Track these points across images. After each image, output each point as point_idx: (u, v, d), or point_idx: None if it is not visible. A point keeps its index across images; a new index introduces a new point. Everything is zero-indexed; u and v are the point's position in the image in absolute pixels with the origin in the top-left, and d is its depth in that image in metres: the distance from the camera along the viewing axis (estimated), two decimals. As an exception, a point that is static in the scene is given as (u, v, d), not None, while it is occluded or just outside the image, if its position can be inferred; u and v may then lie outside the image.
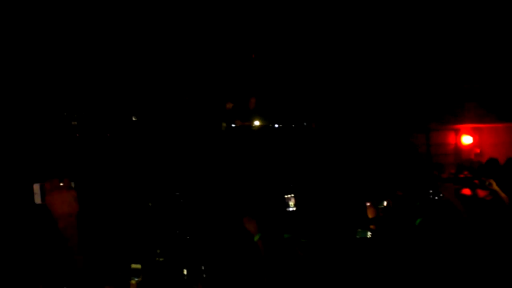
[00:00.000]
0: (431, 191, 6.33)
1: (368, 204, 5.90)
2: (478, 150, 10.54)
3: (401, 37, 10.90)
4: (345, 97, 10.48)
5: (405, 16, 10.72)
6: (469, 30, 10.67)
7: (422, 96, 10.87)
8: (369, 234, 5.63)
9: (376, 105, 10.72)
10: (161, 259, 4.59)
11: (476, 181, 6.49)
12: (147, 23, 8.62)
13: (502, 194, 5.18)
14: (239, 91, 9.39)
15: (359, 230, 5.68)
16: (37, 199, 2.29)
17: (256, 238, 4.44)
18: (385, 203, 6.03)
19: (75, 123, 7.19)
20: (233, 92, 9.26)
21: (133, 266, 3.90)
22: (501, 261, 4.48)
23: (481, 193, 5.78)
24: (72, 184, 2.34)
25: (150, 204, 6.47)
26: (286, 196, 5.55)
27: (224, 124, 8.19)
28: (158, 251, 4.65)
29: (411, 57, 10.95)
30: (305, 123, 9.58)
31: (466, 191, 6.39)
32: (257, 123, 8.89)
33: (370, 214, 5.91)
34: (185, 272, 4.26)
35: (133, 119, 7.78)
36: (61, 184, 2.31)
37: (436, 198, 6.20)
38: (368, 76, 10.86)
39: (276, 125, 9.43)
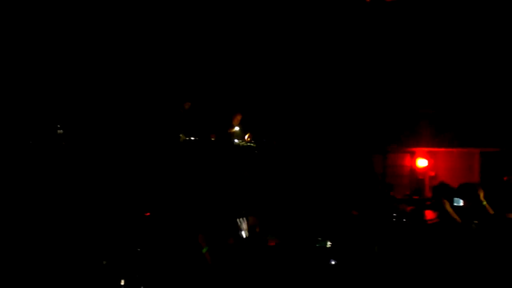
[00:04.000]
0: (394, 214, 6.36)
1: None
2: (433, 173, 10.75)
3: (363, 60, 11.11)
4: (305, 116, 10.55)
5: (365, 40, 10.95)
6: (425, 57, 10.97)
7: (380, 119, 11.06)
8: (328, 243, 5.61)
9: (336, 125, 10.84)
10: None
11: (429, 203, 6.59)
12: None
13: (454, 216, 5.23)
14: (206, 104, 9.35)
15: (319, 239, 5.66)
16: None
17: (204, 250, 4.80)
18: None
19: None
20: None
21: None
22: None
23: (431, 215, 5.87)
24: None
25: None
26: (238, 220, 5.49)
27: (182, 136, 8.06)
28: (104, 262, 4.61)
29: (371, 81, 11.16)
30: (264, 140, 9.57)
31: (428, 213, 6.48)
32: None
33: None
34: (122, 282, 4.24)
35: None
36: None
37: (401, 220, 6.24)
38: (328, 96, 10.99)
39: (236, 141, 9.38)
